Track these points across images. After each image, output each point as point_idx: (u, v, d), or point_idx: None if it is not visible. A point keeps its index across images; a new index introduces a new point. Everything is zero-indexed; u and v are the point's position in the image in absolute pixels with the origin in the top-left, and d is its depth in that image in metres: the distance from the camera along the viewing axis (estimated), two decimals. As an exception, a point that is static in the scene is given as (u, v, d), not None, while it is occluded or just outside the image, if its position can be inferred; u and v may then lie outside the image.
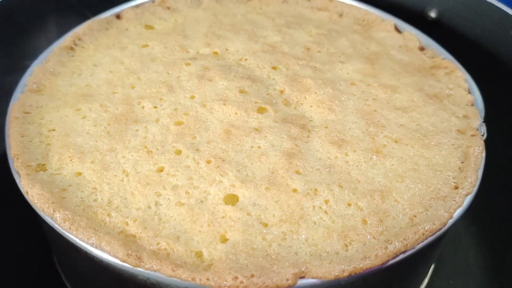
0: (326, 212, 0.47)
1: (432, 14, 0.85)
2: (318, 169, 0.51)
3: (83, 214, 0.46)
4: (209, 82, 0.60)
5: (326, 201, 0.48)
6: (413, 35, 0.73)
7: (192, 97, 0.59)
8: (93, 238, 0.44)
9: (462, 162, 0.53)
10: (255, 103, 0.57)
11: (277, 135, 0.54)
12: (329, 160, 0.52)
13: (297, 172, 0.50)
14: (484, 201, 0.66)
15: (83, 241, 0.44)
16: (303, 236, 0.45)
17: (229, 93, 0.59)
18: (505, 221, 0.74)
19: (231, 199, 0.48)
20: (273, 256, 0.44)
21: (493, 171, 0.64)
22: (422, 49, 0.72)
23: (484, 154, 0.54)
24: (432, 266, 0.71)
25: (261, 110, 0.57)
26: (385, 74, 0.64)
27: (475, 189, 0.51)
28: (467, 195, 0.50)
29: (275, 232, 0.45)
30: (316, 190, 0.49)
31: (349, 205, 0.48)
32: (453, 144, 0.55)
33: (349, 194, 0.49)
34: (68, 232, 0.45)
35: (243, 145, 0.53)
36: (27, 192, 0.48)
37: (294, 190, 0.49)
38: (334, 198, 0.48)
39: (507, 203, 0.75)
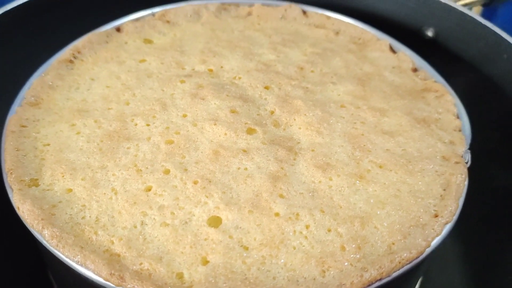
0: (306, 237, 0.49)
1: (429, 33, 0.86)
2: (302, 193, 0.52)
3: (71, 232, 0.48)
4: (202, 101, 0.62)
5: (307, 226, 0.49)
6: (407, 56, 0.74)
7: (184, 115, 0.60)
8: (79, 256, 0.46)
9: (444, 190, 0.55)
10: (245, 123, 0.59)
11: (264, 157, 0.55)
12: (313, 184, 0.53)
13: (281, 196, 0.52)
14: (472, 223, 0.68)
15: (69, 258, 0.46)
16: (282, 260, 0.47)
17: (220, 113, 0.60)
18: (491, 244, 0.75)
19: (215, 221, 0.49)
20: (251, 280, 0.45)
21: (483, 194, 0.65)
22: (415, 70, 0.73)
23: (466, 182, 0.56)
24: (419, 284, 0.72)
25: (250, 131, 0.58)
26: (375, 97, 0.65)
27: (455, 217, 0.52)
28: (446, 223, 0.51)
29: (255, 256, 0.47)
30: (298, 214, 0.50)
31: (329, 230, 0.49)
32: (436, 171, 0.56)
33: (330, 219, 0.50)
34: (56, 249, 0.47)
35: (230, 166, 0.54)
36: (18, 208, 0.50)
37: (277, 214, 0.50)
38: (315, 223, 0.50)
39: (494, 226, 0.75)
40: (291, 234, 0.49)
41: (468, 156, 0.58)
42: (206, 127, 0.58)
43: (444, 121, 0.64)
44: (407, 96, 0.67)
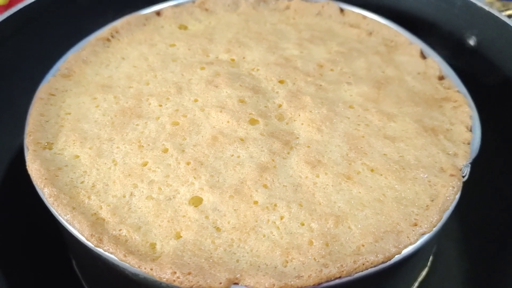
0: (278, 227, 0.51)
1: (471, 42, 0.83)
2: (285, 186, 0.54)
3: (68, 193, 0.53)
4: (215, 88, 0.65)
5: (282, 217, 0.51)
6: (435, 63, 0.73)
7: (196, 100, 0.64)
8: (69, 216, 0.51)
9: (432, 201, 0.54)
10: (249, 114, 0.61)
11: (259, 148, 0.57)
12: (299, 179, 0.55)
13: (264, 186, 0.54)
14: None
15: (61, 216, 0.51)
16: (249, 246, 0.49)
17: (229, 101, 0.63)
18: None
19: (196, 201, 0.53)
20: (215, 260, 0.48)
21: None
22: (441, 78, 0.72)
23: (458, 196, 0.54)
24: None
25: (252, 122, 0.61)
26: (387, 101, 0.65)
27: (436, 229, 0.52)
28: (423, 234, 0.51)
29: (225, 237, 0.50)
30: (275, 205, 0.52)
31: (302, 224, 0.51)
32: (429, 181, 0.56)
33: (306, 214, 0.51)
34: (51, 206, 0.52)
35: (225, 152, 0.57)
36: (28, 166, 0.56)
37: (255, 202, 0.52)
38: (290, 215, 0.51)
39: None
40: (264, 222, 0.51)
41: (467, 170, 0.57)
42: (212, 113, 0.61)
43: (455, 132, 0.62)
44: (422, 104, 0.66)
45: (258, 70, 0.69)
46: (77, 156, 0.58)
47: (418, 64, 0.74)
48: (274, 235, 0.50)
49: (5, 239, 0.70)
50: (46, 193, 0.53)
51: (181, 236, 0.50)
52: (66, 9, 0.85)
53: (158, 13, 0.81)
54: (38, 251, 0.72)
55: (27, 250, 0.72)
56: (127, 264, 0.48)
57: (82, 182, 0.55)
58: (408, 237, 0.50)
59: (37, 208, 0.55)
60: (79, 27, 0.78)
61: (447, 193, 0.54)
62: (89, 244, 0.49)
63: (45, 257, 0.72)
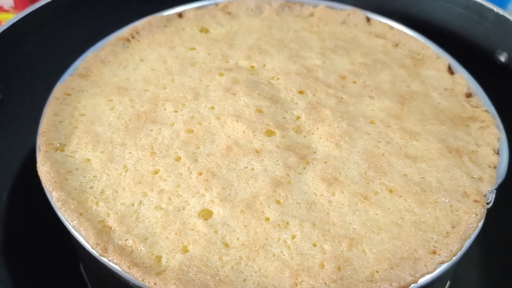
0: (288, 247, 0.49)
1: (502, 59, 0.80)
2: (299, 203, 0.52)
3: (76, 198, 0.52)
4: (232, 96, 0.63)
5: (293, 236, 0.49)
6: (463, 80, 0.70)
7: (212, 108, 0.62)
8: (75, 222, 0.50)
9: (453, 227, 0.51)
10: (266, 125, 0.59)
11: (274, 161, 0.55)
12: (314, 196, 0.53)
13: (277, 202, 0.52)
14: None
15: (68, 221, 0.50)
16: (257, 265, 0.47)
17: (246, 110, 0.61)
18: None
19: (205, 214, 0.51)
20: (221, 278, 0.46)
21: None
22: (469, 95, 0.69)
23: (481, 224, 0.52)
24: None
25: (269, 133, 0.59)
26: (411, 118, 0.62)
27: (456, 259, 0.49)
28: (442, 263, 0.48)
29: (233, 255, 0.48)
30: (287, 223, 0.50)
31: (314, 245, 0.49)
32: (451, 206, 0.53)
33: (318, 234, 0.49)
34: (59, 211, 0.51)
35: (238, 164, 0.55)
36: (38, 167, 0.55)
37: (267, 219, 0.50)
38: (302, 235, 0.49)
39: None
40: (274, 241, 0.49)
41: (492, 196, 0.54)
42: (228, 122, 0.60)
43: (480, 154, 0.59)
44: (447, 122, 0.63)
45: (278, 79, 0.67)
46: (88, 160, 0.56)
47: (445, 79, 0.71)
48: (284, 255, 0.48)
49: (16, 238, 0.70)
50: (54, 196, 0.52)
51: (188, 250, 0.48)
52: (90, 7, 0.84)
53: (180, 15, 0.79)
54: (47, 253, 0.71)
55: (36, 251, 0.72)
56: (130, 276, 0.46)
57: (91, 187, 0.54)
58: (425, 265, 0.47)
59: (49, 208, 0.54)
60: (102, 26, 0.77)
61: (470, 220, 0.51)
62: (94, 252, 0.48)
63: (53, 258, 0.71)
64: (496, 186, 0.55)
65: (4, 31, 0.71)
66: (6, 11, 1.17)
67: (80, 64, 0.68)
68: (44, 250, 0.72)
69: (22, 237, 0.72)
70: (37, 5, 0.76)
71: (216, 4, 0.81)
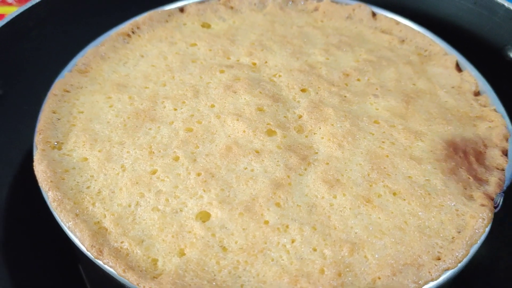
0: (288, 251, 0.47)
1: (511, 54, 0.78)
2: (300, 205, 0.51)
3: (72, 198, 0.51)
4: (233, 94, 0.62)
5: (293, 240, 0.48)
6: (472, 77, 0.68)
7: (212, 106, 0.61)
8: (71, 223, 0.49)
9: (459, 232, 0.50)
10: (267, 124, 0.58)
11: (274, 162, 0.54)
12: (315, 198, 0.51)
13: (277, 204, 0.50)
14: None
15: (63, 222, 0.49)
16: (255, 270, 0.46)
17: (247, 109, 0.59)
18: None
19: (203, 216, 0.50)
20: (218, 283, 0.45)
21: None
22: (477, 94, 0.67)
23: (488, 228, 0.50)
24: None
25: (270, 133, 0.57)
26: (417, 117, 0.61)
27: (461, 265, 0.48)
28: (446, 269, 0.47)
29: (231, 259, 0.47)
30: (287, 226, 0.49)
31: (314, 250, 0.48)
32: (457, 210, 0.51)
33: (319, 238, 0.48)
34: (54, 211, 0.50)
35: (238, 164, 0.54)
36: (35, 166, 0.54)
37: (266, 222, 0.49)
38: (302, 239, 0.48)
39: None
40: (273, 245, 0.48)
41: (500, 200, 0.52)
42: (228, 121, 0.58)
43: (488, 156, 0.58)
44: (454, 122, 0.61)
45: (280, 76, 0.65)
46: (86, 159, 0.55)
47: (452, 77, 0.69)
48: (283, 260, 0.47)
49: (15, 236, 0.69)
50: (50, 196, 0.51)
51: (184, 254, 0.47)
52: (91, 1, 0.82)
53: (181, 9, 0.78)
54: (46, 251, 0.71)
55: (36, 249, 0.71)
56: (126, 280, 0.45)
57: (88, 187, 0.53)
58: (429, 272, 0.46)
59: (47, 206, 0.53)
60: (103, 20, 0.75)
61: (476, 225, 0.49)
62: (89, 254, 0.47)
63: (53, 257, 0.71)
64: (504, 189, 0.53)
65: (4, 26, 0.70)
66: (10, 4, 1.16)
67: (79, 60, 0.67)
68: (43, 248, 0.71)
69: (22, 234, 0.71)
70: (37, 0, 0.75)
71: (219, -2, 0.79)
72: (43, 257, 0.71)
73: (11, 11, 1.16)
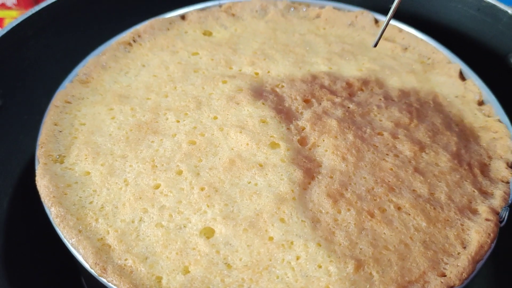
0: (293, 268, 0.47)
1: (515, 62, 0.77)
2: (304, 221, 0.50)
3: (75, 214, 0.51)
4: (236, 105, 0.61)
5: (298, 257, 0.48)
6: (476, 86, 0.67)
7: (215, 118, 0.60)
8: (74, 239, 0.48)
9: (464, 248, 0.50)
10: (270, 136, 0.57)
11: (278, 176, 0.54)
12: (319, 214, 0.51)
13: (281, 220, 0.50)
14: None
15: (66, 239, 0.49)
16: (260, 288, 0.46)
17: (250, 121, 0.59)
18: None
19: (207, 232, 0.49)
20: (223, 301, 0.45)
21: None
22: (481, 103, 0.67)
23: (493, 244, 0.50)
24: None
25: (273, 145, 0.57)
26: (421, 128, 0.60)
27: (467, 282, 0.47)
28: (452, 286, 0.46)
29: (236, 276, 0.46)
30: (292, 243, 0.49)
31: (320, 267, 0.47)
32: (462, 225, 0.51)
33: (324, 255, 0.48)
34: (57, 227, 0.50)
35: (242, 178, 0.54)
36: (37, 181, 0.53)
37: (270, 238, 0.49)
38: (307, 256, 0.48)
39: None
40: (278, 262, 0.47)
41: (505, 214, 0.52)
42: (231, 133, 0.58)
43: (493, 168, 0.57)
44: (458, 133, 0.61)
45: (282, 87, 0.65)
46: (88, 173, 0.55)
47: (456, 86, 0.68)
48: (288, 277, 0.47)
49: (16, 247, 0.69)
50: (53, 212, 0.51)
51: (189, 272, 0.47)
52: (91, 10, 0.82)
53: (183, 17, 0.77)
54: (48, 263, 0.70)
55: (37, 260, 0.70)
56: (130, 299, 0.45)
57: (91, 203, 0.52)
58: (434, 289, 0.46)
59: (48, 218, 0.53)
60: (104, 28, 0.75)
61: (482, 241, 0.49)
62: (93, 272, 0.47)
63: (55, 269, 0.70)
64: (509, 203, 0.53)
65: (4, 35, 0.70)
66: (9, 8, 1.15)
67: (80, 70, 0.67)
68: (45, 260, 0.71)
69: (23, 246, 0.71)
70: (37, 8, 0.75)
71: (220, 6, 0.79)
72: (45, 268, 0.70)
73: (11, 15, 1.16)
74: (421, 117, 0.62)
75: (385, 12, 0.78)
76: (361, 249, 0.49)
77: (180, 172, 0.54)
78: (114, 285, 0.46)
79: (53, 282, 0.70)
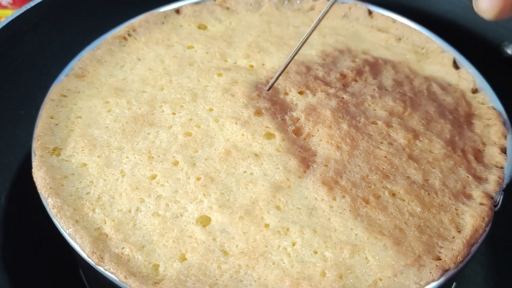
0: (289, 254, 0.48)
1: (509, 51, 0.78)
2: (300, 208, 0.51)
3: (72, 204, 0.51)
4: (231, 97, 0.61)
5: (294, 243, 0.48)
6: (469, 75, 0.68)
7: (211, 109, 0.61)
8: (71, 229, 0.49)
9: (459, 232, 0.50)
10: (265, 127, 0.58)
11: (273, 165, 0.54)
12: (315, 201, 0.51)
13: (277, 207, 0.51)
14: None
15: (63, 229, 0.49)
16: (257, 273, 0.46)
17: (245, 112, 0.59)
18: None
19: (204, 221, 0.50)
20: (220, 287, 0.45)
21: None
22: (475, 91, 0.67)
23: (488, 228, 0.50)
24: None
25: (268, 136, 0.57)
26: (415, 116, 0.61)
27: (462, 265, 0.48)
28: (447, 269, 0.47)
29: (232, 263, 0.47)
30: (288, 229, 0.49)
31: (315, 252, 0.48)
32: (456, 209, 0.52)
33: (319, 241, 0.48)
34: (54, 218, 0.50)
35: (237, 168, 0.54)
36: (34, 173, 0.54)
37: (266, 225, 0.49)
38: (302, 242, 0.48)
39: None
40: (274, 248, 0.48)
41: (499, 198, 0.53)
42: (226, 124, 0.58)
43: (487, 154, 0.58)
44: (452, 120, 0.61)
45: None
46: (85, 165, 0.55)
47: (450, 75, 0.69)
48: (284, 263, 0.47)
49: (15, 241, 0.69)
50: (49, 203, 0.51)
51: (186, 259, 0.47)
52: (86, 4, 0.82)
53: (177, 11, 0.77)
54: (46, 256, 0.71)
55: (35, 254, 0.71)
56: (127, 286, 0.45)
57: (87, 193, 0.53)
58: (430, 272, 0.46)
59: (47, 212, 0.53)
60: (99, 23, 0.75)
61: (476, 225, 0.50)
62: (90, 261, 0.47)
63: (53, 262, 0.71)
64: (503, 187, 0.54)
65: (-2, 31, 0.70)
66: (4, 7, 1.15)
67: (76, 64, 0.67)
68: (43, 253, 0.71)
69: (21, 239, 0.71)
70: (32, 4, 0.75)
71: (215, -1, 0.79)
72: (43, 261, 0.71)
73: (6, 14, 1.16)
74: (415, 106, 0.62)
75: (378, 4, 0.79)
76: (356, 234, 0.49)
77: (176, 163, 0.55)
78: (112, 273, 0.46)
79: (51, 275, 0.70)
